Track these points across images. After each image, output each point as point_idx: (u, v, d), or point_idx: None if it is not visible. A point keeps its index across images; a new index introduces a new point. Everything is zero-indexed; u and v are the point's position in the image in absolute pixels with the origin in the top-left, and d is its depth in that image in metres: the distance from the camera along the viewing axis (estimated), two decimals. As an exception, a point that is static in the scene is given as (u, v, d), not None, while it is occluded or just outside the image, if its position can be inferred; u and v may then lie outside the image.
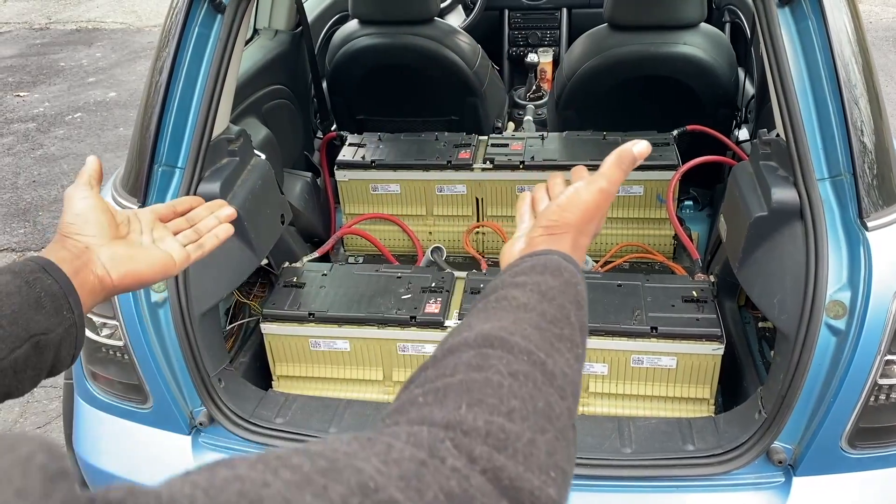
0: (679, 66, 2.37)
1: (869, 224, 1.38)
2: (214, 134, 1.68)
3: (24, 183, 4.56)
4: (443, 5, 3.48)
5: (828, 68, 1.42)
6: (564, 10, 3.64)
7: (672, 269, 2.16)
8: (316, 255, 2.11)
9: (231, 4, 1.59)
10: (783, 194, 1.48)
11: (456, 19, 3.51)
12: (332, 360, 1.83)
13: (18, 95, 5.98)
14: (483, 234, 2.35)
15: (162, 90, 1.59)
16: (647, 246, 2.25)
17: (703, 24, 2.40)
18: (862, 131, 1.41)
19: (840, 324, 1.38)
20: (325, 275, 1.91)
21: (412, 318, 1.74)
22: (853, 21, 1.49)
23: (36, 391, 2.92)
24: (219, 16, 1.61)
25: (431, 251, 2.25)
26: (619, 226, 2.29)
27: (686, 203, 2.55)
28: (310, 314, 1.78)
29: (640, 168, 2.20)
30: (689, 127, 2.35)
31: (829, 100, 1.43)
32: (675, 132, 2.34)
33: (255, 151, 1.88)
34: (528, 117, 3.29)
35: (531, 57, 3.49)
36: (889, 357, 1.36)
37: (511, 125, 3.19)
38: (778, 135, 1.56)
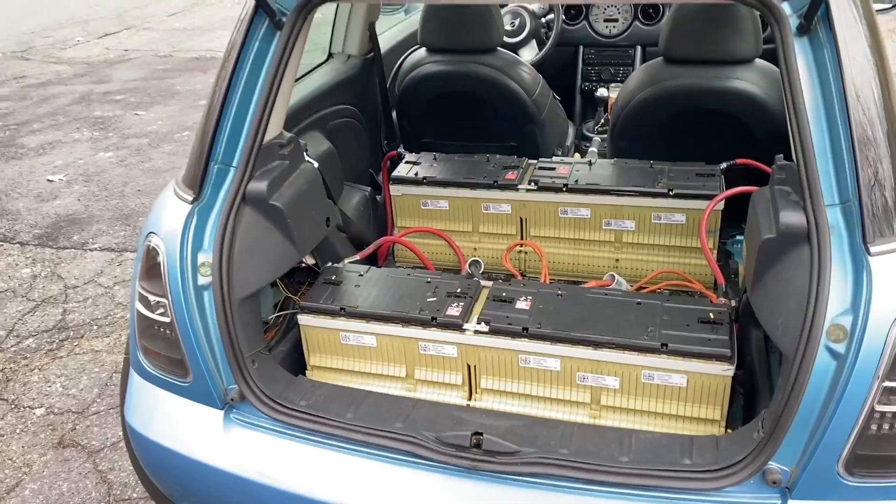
0: (731, 100, 2.39)
1: (872, 249, 1.38)
2: (267, 138, 1.85)
3: (130, 191, 4.98)
4: (516, 39, 3.62)
5: (839, 96, 1.45)
6: (638, 48, 3.71)
7: (710, 298, 2.17)
8: (357, 257, 2.26)
9: (288, 22, 1.77)
10: (791, 217, 1.50)
11: (529, 53, 3.64)
12: (359, 354, 1.95)
13: (137, 114, 6.52)
14: (525, 253, 2.43)
15: (221, 96, 1.78)
16: (686, 274, 2.27)
17: (758, 61, 2.42)
18: (872, 159, 1.42)
19: (840, 347, 1.38)
20: (362, 275, 2.04)
21: (433, 318, 1.84)
22: (873, 50, 1.50)
23: (114, 376, 3.19)
24: (278, 32, 1.79)
25: (470, 264, 2.35)
26: (660, 253, 2.32)
27: (738, 238, 2.54)
28: (341, 309, 1.91)
29: (683, 197, 2.25)
30: (738, 161, 2.37)
31: (840, 127, 1.45)
32: (723, 165, 2.36)
33: (308, 158, 2.04)
34: (593, 148, 3.35)
35: (601, 91, 3.57)
36: (888, 384, 1.36)
37: (577, 156, 3.26)
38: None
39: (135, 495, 2.59)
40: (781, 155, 1.70)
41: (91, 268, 4.06)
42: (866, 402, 1.36)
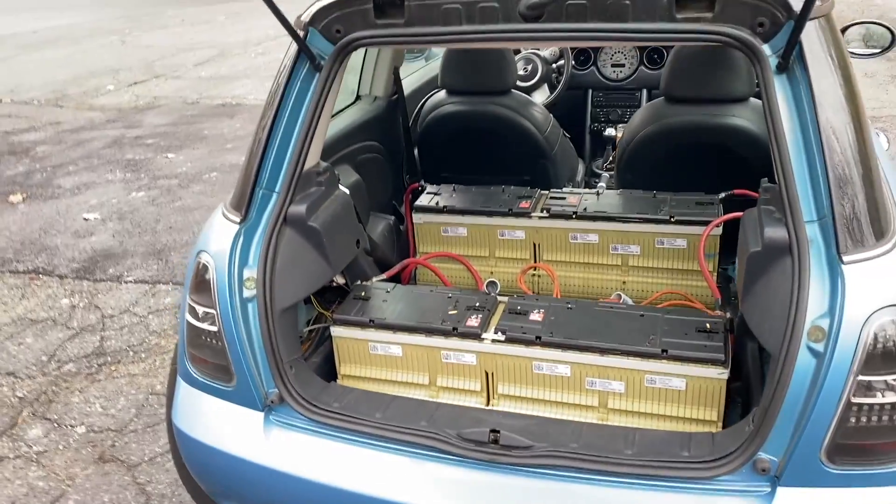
0: (728, 135, 2.59)
1: (845, 259, 1.56)
2: (306, 167, 2.06)
3: (162, 228, 5.23)
4: (529, 83, 3.87)
5: (813, 126, 1.64)
6: (644, 91, 3.94)
7: (707, 312, 2.34)
8: (384, 277, 2.45)
9: (326, 65, 1.99)
10: (774, 233, 1.68)
11: (541, 96, 3.87)
12: (386, 363, 2.13)
13: (167, 157, 6.82)
14: (539, 276, 2.61)
15: (267, 129, 2.00)
16: (689, 294, 2.44)
17: (752, 99, 2.63)
18: (843, 180, 1.61)
19: (820, 347, 1.55)
20: (389, 292, 2.24)
21: (454, 328, 2.02)
22: (843, 83, 1.70)
23: (150, 397, 3.37)
24: (317, 74, 2.02)
25: (487, 284, 2.54)
26: (663, 276, 2.49)
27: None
28: (370, 321, 2.10)
29: (684, 223, 2.43)
30: (735, 191, 2.56)
31: (815, 153, 1.64)
32: (721, 194, 2.54)
33: (340, 186, 2.26)
34: (602, 184, 3.55)
35: (609, 131, 3.79)
36: (862, 378, 1.52)
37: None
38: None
39: (172, 505, 2.75)
40: (766, 178, 1.89)
41: (126, 298, 4.28)
42: (843, 395, 1.52)
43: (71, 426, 3.23)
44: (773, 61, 1.71)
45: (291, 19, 1.94)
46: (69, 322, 4.08)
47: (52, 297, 4.37)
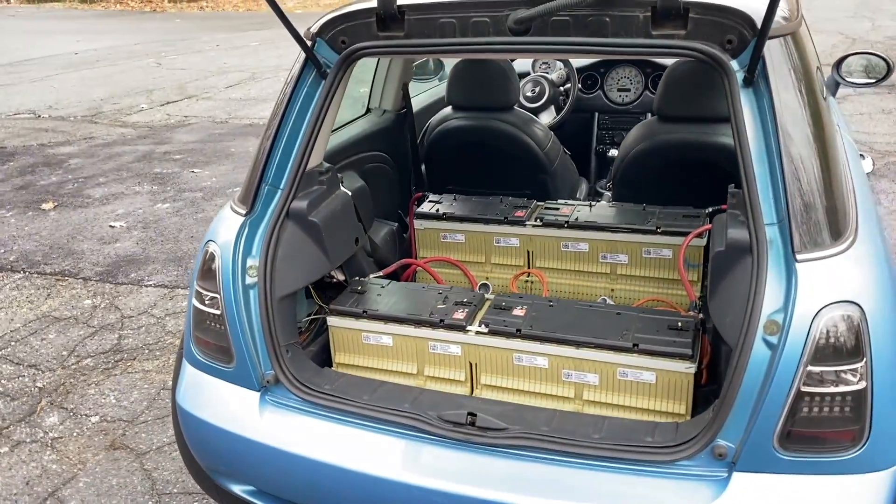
0: (717, 152, 2.71)
1: (799, 257, 1.67)
2: (309, 167, 2.21)
3: (184, 237, 5.43)
4: (536, 105, 4.02)
5: (774, 136, 1.76)
6: (649, 115, 4.06)
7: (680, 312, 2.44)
8: (380, 274, 2.59)
9: (331, 73, 2.15)
10: (737, 234, 1.80)
11: (547, 117, 4.02)
12: (378, 353, 2.26)
13: (193, 171, 7.07)
14: (531, 281, 2.74)
15: (274, 130, 2.17)
16: (672, 301, 2.55)
17: None
18: (799, 186, 1.72)
19: (774, 339, 1.65)
20: (383, 287, 2.37)
21: (441, 321, 2.15)
22: (807, 98, 1.82)
23: (161, 392, 3.52)
24: (322, 81, 2.18)
25: (479, 286, 2.67)
26: (649, 284, 2.60)
27: None
28: (363, 311, 2.23)
29: (669, 234, 2.55)
30: (723, 206, 2.67)
31: (776, 161, 1.76)
32: (709, 209, 2.66)
33: (342, 187, 2.41)
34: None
35: (612, 152, 3.93)
36: (812, 369, 1.62)
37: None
38: None
39: (175, 490, 2.88)
40: (733, 185, 2.00)
41: (146, 301, 4.46)
42: (794, 385, 1.62)
43: (85, 415, 3.39)
44: (739, 76, 1.84)
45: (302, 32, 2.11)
46: (90, 321, 4.27)
47: (76, 297, 4.57)
